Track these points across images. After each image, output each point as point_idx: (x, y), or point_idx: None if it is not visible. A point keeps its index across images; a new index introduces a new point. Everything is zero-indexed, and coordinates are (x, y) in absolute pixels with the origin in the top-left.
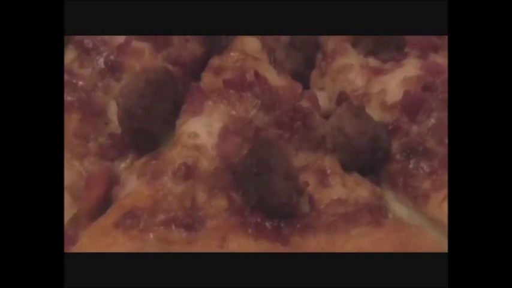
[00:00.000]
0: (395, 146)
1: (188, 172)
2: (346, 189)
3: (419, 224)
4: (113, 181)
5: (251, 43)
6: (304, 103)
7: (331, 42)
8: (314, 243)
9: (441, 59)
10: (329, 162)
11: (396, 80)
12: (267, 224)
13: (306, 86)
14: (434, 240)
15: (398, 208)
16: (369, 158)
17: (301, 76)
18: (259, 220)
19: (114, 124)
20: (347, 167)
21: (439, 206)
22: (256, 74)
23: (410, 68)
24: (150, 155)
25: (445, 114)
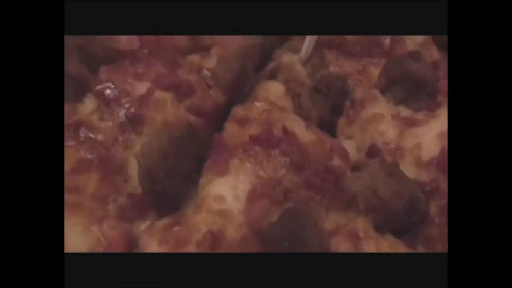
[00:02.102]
0: (433, 208)
1: (214, 241)
2: None
3: None
4: (132, 245)
5: (275, 88)
6: (335, 161)
7: (359, 89)
8: None
9: None
10: (362, 225)
11: (432, 134)
12: None
13: (332, 133)
14: None
15: None
16: (405, 221)
17: (328, 123)
18: None
19: (134, 181)
20: (380, 229)
21: None
22: (285, 130)
23: (445, 120)
24: (171, 216)
25: None
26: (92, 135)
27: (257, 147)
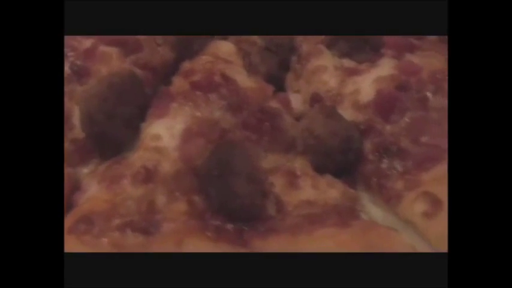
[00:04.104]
0: (368, 146)
1: (148, 175)
2: (316, 191)
3: (393, 226)
4: (74, 186)
5: (225, 47)
6: (274, 104)
7: (305, 44)
8: (275, 246)
9: (417, 59)
10: (299, 164)
11: (370, 80)
12: (229, 227)
13: (282, 89)
14: (406, 242)
15: (373, 210)
16: (341, 160)
17: (277, 79)
18: (219, 223)
19: (78, 130)
20: (319, 169)
21: (411, 207)
22: (223, 76)
23: (384, 68)
24: (113, 160)
25: (420, 113)
26: None
27: (197, 93)
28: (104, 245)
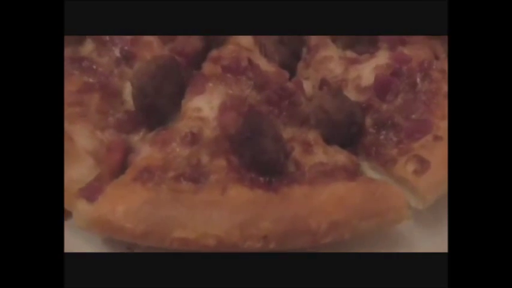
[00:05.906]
0: (368, 121)
1: (194, 138)
2: (327, 156)
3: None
4: (128, 150)
5: (245, 39)
6: (290, 85)
7: (314, 38)
8: (298, 192)
9: (407, 51)
10: (312, 136)
11: (369, 68)
12: (261, 179)
13: (293, 76)
14: (397, 191)
15: (373, 175)
16: (346, 132)
17: (289, 67)
18: (253, 175)
19: (129, 104)
20: (328, 141)
21: (404, 167)
22: (250, 61)
23: (381, 58)
24: (160, 128)
25: (410, 95)
26: (93, 66)
27: (228, 75)
28: (163, 190)
